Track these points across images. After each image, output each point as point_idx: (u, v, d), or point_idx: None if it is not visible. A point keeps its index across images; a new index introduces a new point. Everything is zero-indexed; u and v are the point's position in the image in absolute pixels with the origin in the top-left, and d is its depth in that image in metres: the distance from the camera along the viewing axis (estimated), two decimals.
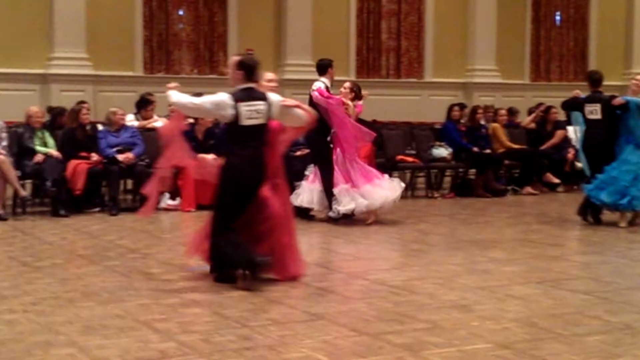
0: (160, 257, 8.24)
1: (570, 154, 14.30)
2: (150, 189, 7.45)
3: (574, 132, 12.05)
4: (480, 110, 14.28)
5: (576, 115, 10.91)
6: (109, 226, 10.22)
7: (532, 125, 14.95)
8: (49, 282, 6.99)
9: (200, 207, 11.04)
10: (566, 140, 14.63)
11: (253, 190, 6.92)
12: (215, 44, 16.26)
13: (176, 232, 10.33)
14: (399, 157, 13.54)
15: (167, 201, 11.55)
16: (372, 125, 14.55)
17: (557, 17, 19.41)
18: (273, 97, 7.15)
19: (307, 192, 10.47)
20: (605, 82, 11.03)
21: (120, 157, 11.35)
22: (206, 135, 11.92)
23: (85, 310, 6.02)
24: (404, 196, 13.38)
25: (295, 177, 10.34)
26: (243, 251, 6.78)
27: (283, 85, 12.97)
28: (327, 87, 10.55)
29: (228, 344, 5.22)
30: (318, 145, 10.43)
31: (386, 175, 10.76)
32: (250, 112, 6.87)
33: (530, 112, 15.33)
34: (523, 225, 10.69)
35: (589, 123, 10.64)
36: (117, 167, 11.32)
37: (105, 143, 11.51)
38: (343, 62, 16.58)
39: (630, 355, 5.14)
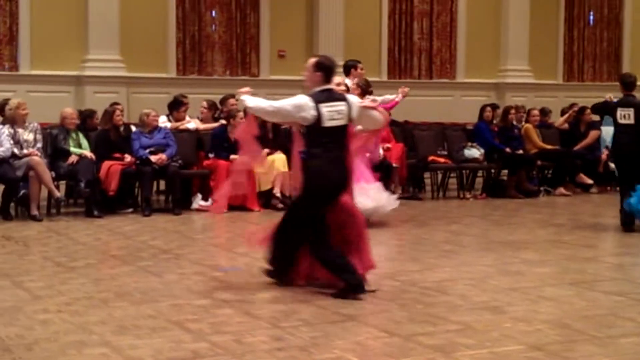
0: (192, 257, 8.28)
1: (604, 154, 14.19)
2: (223, 191, 7.77)
3: (607, 134, 11.83)
4: (512, 111, 14.19)
5: (607, 119, 10.69)
6: (142, 227, 10.28)
7: (565, 125, 14.81)
8: (83, 283, 7.05)
9: (231, 208, 11.05)
10: (599, 141, 14.53)
11: (338, 192, 6.80)
12: (248, 46, 16.30)
13: (208, 232, 10.38)
14: (431, 157, 13.48)
15: (199, 202, 11.62)
16: (404, 125, 14.58)
17: (591, 17, 19.27)
18: (352, 98, 7.12)
19: None
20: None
21: (153, 158, 11.41)
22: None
23: (118, 311, 6.07)
24: (435, 197, 13.44)
25: None
26: (354, 274, 6.64)
27: None
28: (347, 88, 10.51)
29: (260, 344, 5.24)
30: None
31: (378, 183, 10.20)
32: (332, 113, 6.73)
33: (563, 112, 15.22)
34: (555, 227, 10.60)
35: (620, 128, 10.34)
36: (150, 168, 11.38)
37: (138, 144, 11.58)
38: (375, 63, 16.60)
39: None
